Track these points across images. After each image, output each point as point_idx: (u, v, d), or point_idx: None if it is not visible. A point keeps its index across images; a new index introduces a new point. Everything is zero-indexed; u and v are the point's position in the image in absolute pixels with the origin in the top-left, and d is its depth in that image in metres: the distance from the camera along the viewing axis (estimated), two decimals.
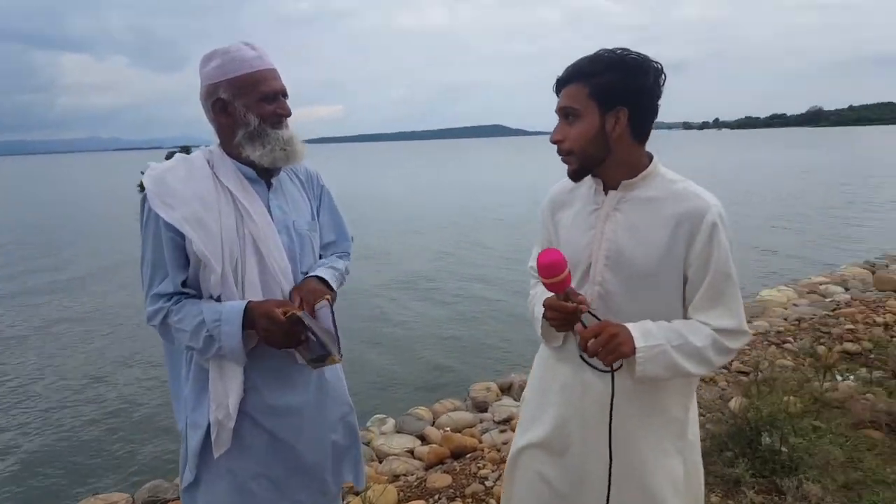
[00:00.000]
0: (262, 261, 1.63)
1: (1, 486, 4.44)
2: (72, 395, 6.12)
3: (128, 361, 7.01)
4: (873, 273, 7.66)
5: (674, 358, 1.40)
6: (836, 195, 19.57)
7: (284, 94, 1.67)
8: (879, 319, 5.53)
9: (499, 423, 4.33)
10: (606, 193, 1.52)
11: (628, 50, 1.44)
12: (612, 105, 1.42)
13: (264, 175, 1.70)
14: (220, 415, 1.59)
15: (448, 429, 4.20)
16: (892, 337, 5.07)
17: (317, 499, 1.79)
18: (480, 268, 11.01)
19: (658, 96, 1.47)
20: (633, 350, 1.38)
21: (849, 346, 4.90)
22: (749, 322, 5.86)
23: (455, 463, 3.59)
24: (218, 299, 1.59)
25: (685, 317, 1.48)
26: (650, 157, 1.52)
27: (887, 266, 8.14)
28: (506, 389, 5.09)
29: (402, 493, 3.18)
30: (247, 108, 1.61)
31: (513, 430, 4.02)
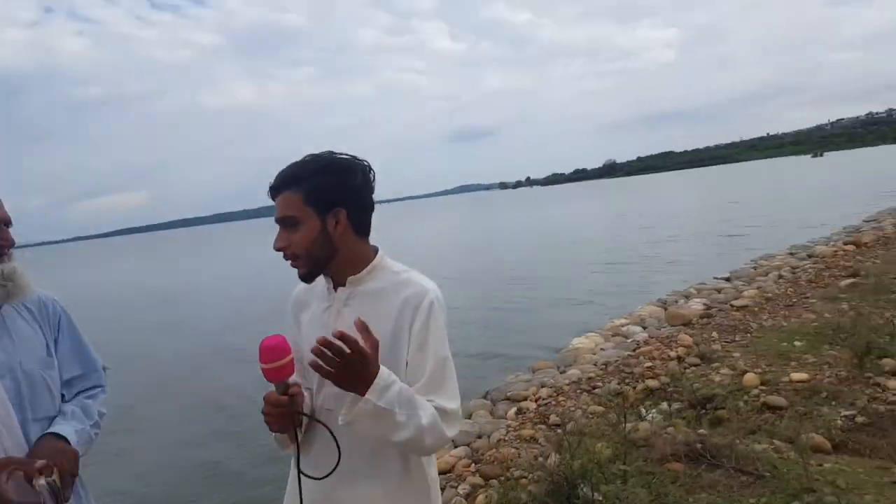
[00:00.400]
0: None
1: None
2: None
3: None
4: (665, 310, 8.54)
5: (394, 424, 1.35)
6: (636, 239, 21.85)
7: (7, 223, 1.55)
8: (673, 353, 6.11)
9: None
10: (336, 290, 1.55)
11: (334, 152, 1.50)
12: (329, 207, 1.46)
13: None
14: None
15: None
16: (684, 368, 5.62)
17: None
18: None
19: (371, 191, 1.53)
20: (363, 394, 1.32)
21: (650, 382, 5.34)
22: (563, 371, 6.27)
23: None
24: None
25: None
26: (375, 251, 1.57)
27: (676, 302, 9.12)
28: None
29: None
30: None
31: None
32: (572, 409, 4.98)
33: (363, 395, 1.32)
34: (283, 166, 1.50)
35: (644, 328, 7.67)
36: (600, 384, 5.59)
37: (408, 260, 1.61)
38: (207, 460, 6.39)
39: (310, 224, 1.46)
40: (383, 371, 1.34)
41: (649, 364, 5.90)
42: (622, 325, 8.00)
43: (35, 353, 1.62)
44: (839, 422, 4.02)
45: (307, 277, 1.51)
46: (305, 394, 1.49)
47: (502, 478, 4.00)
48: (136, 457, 6.64)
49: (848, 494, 3.14)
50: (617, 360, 6.27)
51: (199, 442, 6.95)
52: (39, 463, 1.39)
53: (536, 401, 5.53)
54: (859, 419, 4.05)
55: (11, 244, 1.56)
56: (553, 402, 5.36)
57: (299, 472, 1.47)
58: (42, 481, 1.36)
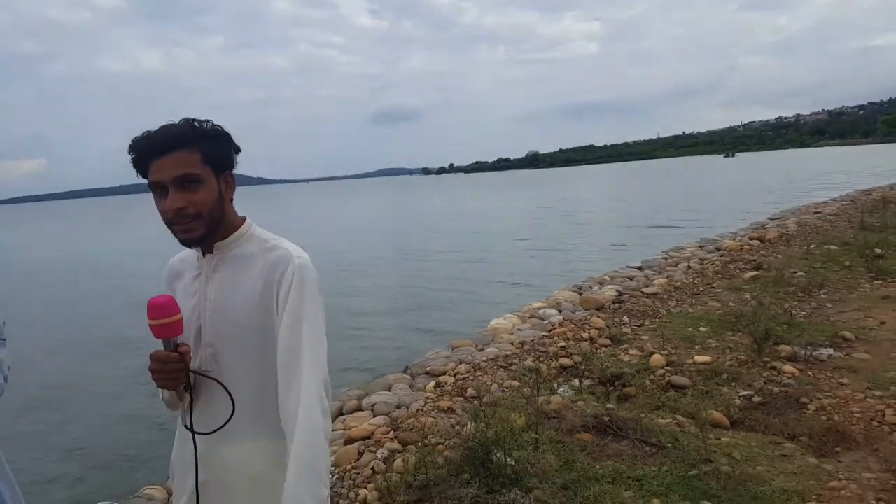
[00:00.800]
0: None
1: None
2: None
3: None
4: (580, 294, 8.86)
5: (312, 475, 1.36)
6: (556, 227, 22.50)
7: None
8: (585, 335, 6.37)
9: None
10: (205, 257, 1.55)
11: (211, 121, 1.48)
12: (222, 170, 1.48)
13: None
14: None
15: None
16: (596, 349, 5.89)
17: None
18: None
19: None
20: None
21: (563, 360, 5.56)
22: (482, 349, 6.41)
23: None
24: None
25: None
26: (243, 218, 1.58)
27: (591, 288, 9.47)
28: None
29: None
30: None
31: None
32: (489, 383, 5.11)
33: None
34: None
35: (559, 311, 7.92)
36: (516, 361, 5.76)
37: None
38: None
39: (210, 184, 1.45)
40: None
41: (563, 344, 6.12)
42: (539, 308, 8.24)
43: None
44: (737, 401, 4.33)
45: (200, 240, 1.48)
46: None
47: (420, 444, 4.08)
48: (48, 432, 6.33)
49: (742, 465, 3.41)
50: (532, 340, 6.47)
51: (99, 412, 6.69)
52: None
53: (455, 375, 5.64)
54: (756, 399, 4.38)
55: None
56: (471, 377, 5.48)
57: (191, 429, 1.48)
58: None
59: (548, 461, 3.48)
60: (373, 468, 3.80)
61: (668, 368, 5.02)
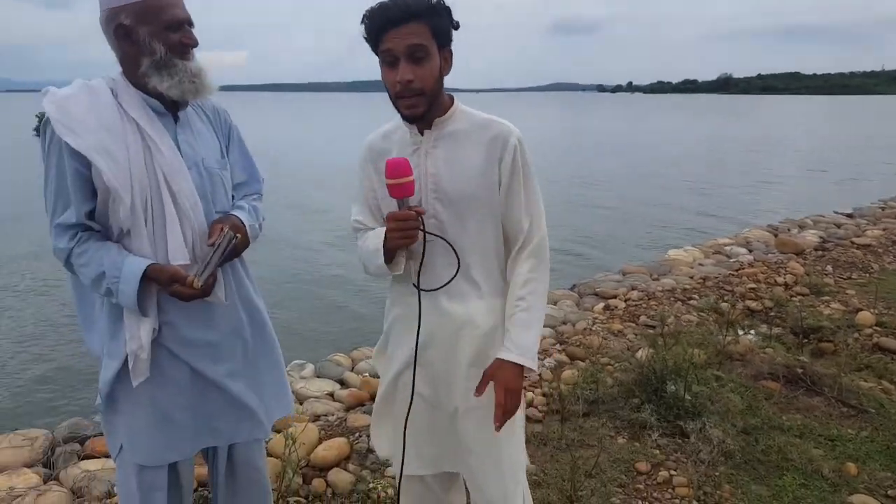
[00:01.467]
0: (174, 196, 1.57)
1: None
2: None
3: (40, 299, 6.72)
4: (776, 236, 8.11)
5: (538, 328, 1.63)
6: (745, 162, 20.58)
7: (190, 24, 1.58)
8: (780, 280, 5.88)
9: None
10: (422, 134, 1.60)
11: None
12: (444, 44, 1.52)
13: (171, 108, 1.63)
14: (134, 346, 1.57)
15: (367, 374, 4.19)
16: (791, 296, 5.40)
17: (242, 427, 1.78)
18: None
19: None
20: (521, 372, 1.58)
21: (751, 303, 5.19)
22: (656, 279, 6.15)
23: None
24: (128, 234, 1.55)
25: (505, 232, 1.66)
26: (451, 96, 1.63)
27: (789, 230, 8.64)
28: None
29: (323, 432, 3.18)
30: (151, 36, 1.51)
31: None
32: (666, 313, 4.90)
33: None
34: None
35: (750, 251, 7.35)
36: (696, 297, 5.47)
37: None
38: None
39: (435, 58, 1.50)
40: (513, 358, 1.58)
41: (752, 286, 5.71)
42: (725, 245, 7.70)
43: (212, 153, 1.72)
44: None
45: (421, 116, 1.55)
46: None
47: (588, 360, 4.05)
48: None
49: None
50: (717, 277, 6.09)
51: None
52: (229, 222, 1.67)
53: (626, 300, 5.49)
54: None
55: (194, 44, 1.59)
56: (644, 305, 5.30)
57: (418, 287, 1.61)
58: (227, 231, 1.59)
59: (731, 400, 3.31)
60: (539, 374, 3.85)
61: (877, 329, 4.49)
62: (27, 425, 3.78)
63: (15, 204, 11.58)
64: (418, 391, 1.69)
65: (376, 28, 1.47)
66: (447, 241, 1.59)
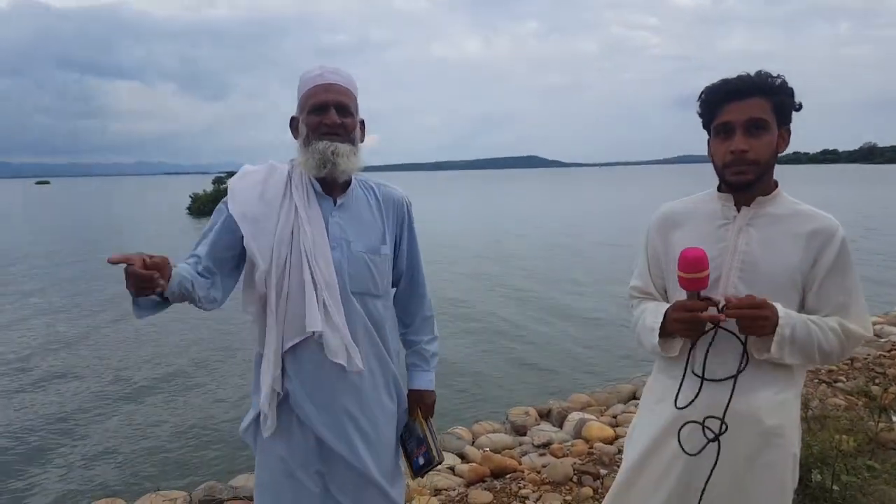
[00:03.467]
0: (311, 270, 1.69)
1: (64, 480, 4.61)
2: (134, 395, 6.36)
3: (187, 366, 7.21)
4: None
5: (810, 330, 1.48)
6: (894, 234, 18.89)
7: (340, 108, 1.73)
8: None
9: (538, 446, 4.29)
10: (738, 209, 1.60)
11: (782, 76, 1.54)
12: (783, 123, 1.55)
13: (331, 191, 1.79)
14: (263, 403, 1.73)
15: (487, 449, 4.19)
16: None
17: (366, 499, 1.82)
18: (524, 293, 10.98)
19: None
20: (774, 328, 1.45)
21: None
22: None
23: (496, 482, 3.59)
24: (261, 300, 1.72)
25: None
26: (776, 182, 1.61)
27: None
28: (544, 415, 5.05)
29: None
30: (303, 121, 1.75)
31: (553, 455, 3.99)
32: (810, 396, 4.56)
33: (773, 334, 1.46)
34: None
35: None
36: (843, 379, 5.05)
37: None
38: None
39: (773, 133, 1.53)
40: (780, 309, 1.47)
41: None
42: (876, 324, 7.06)
43: (366, 238, 1.81)
44: None
45: (747, 185, 1.56)
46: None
47: None
48: None
49: None
50: (866, 357, 5.60)
51: None
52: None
53: None
54: None
55: (333, 123, 1.71)
56: None
57: (702, 376, 1.55)
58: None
59: (885, 493, 3.00)
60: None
61: None
62: (168, 486, 4.10)
63: None
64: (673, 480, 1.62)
65: (718, 100, 1.54)
66: (735, 335, 1.50)
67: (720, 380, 1.54)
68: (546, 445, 4.26)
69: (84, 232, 24.35)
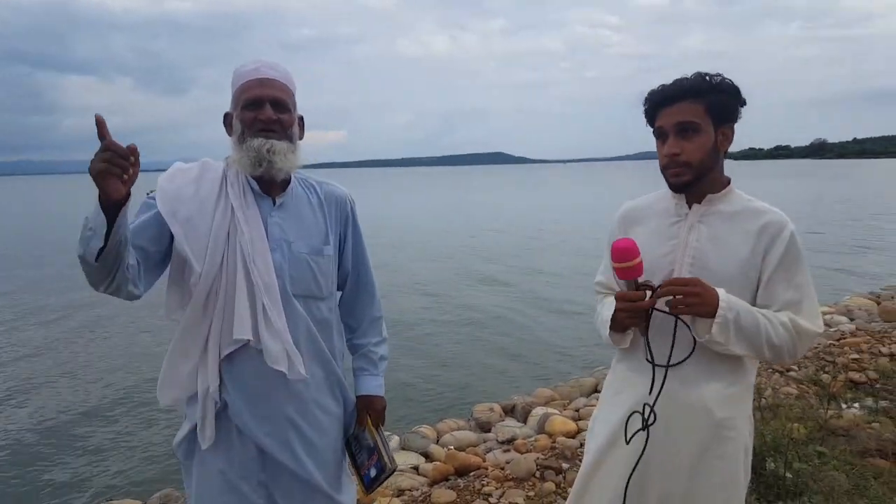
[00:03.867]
0: (248, 273, 1.62)
1: (9, 488, 4.48)
2: (83, 398, 6.21)
3: (136, 366, 7.11)
4: (878, 304, 7.66)
5: (757, 320, 1.50)
6: (843, 226, 19.54)
7: (276, 104, 1.65)
8: (885, 350, 5.53)
9: (502, 442, 4.32)
10: (690, 207, 1.64)
11: (721, 75, 1.57)
12: (722, 122, 1.57)
13: (269, 191, 1.71)
14: (199, 414, 1.66)
15: (452, 447, 4.20)
16: None
17: None
18: (486, 289, 11.05)
19: None
20: (714, 310, 1.48)
21: (854, 375, 4.90)
22: None
23: (459, 480, 3.60)
24: (190, 298, 1.63)
25: None
26: (728, 178, 1.65)
27: (892, 298, 8.13)
28: (509, 411, 5.08)
29: None
30: (236, 118, 1.67)
31: (517, 451, 4.02)
32: (763, 385, 4.69)
33: (713, 316, 1.47)
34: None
35: (851, 320, 6.96)
36: (795, 368, 5.20)
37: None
38: None
39: (707, 134, 1.56)
40: (722, 293, 1.48)
41: (855, 356, 5.38)
42: (826, 314, 7.30)
43: (308, 237, 1.74)
44: None
45: (684, 187, 1.60)
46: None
47: None
48: None
49: None
50: (816, 347, 5.78)
51: None
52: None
53: None
54: None
55: (267, 119, 1.62)
56: None
57: (652, 362, 1.60)
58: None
59: (836, 479, 3.11)
60: None
61: None
62: (121, 496, 4.00)
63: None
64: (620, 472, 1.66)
65: (652, 107, 1.61)
66: (682, 321, 1.55)
67: (669, 365, 1.57)
68: (510, 441, 4.29)
69: (37, 230, 23.61)
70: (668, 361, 1.57)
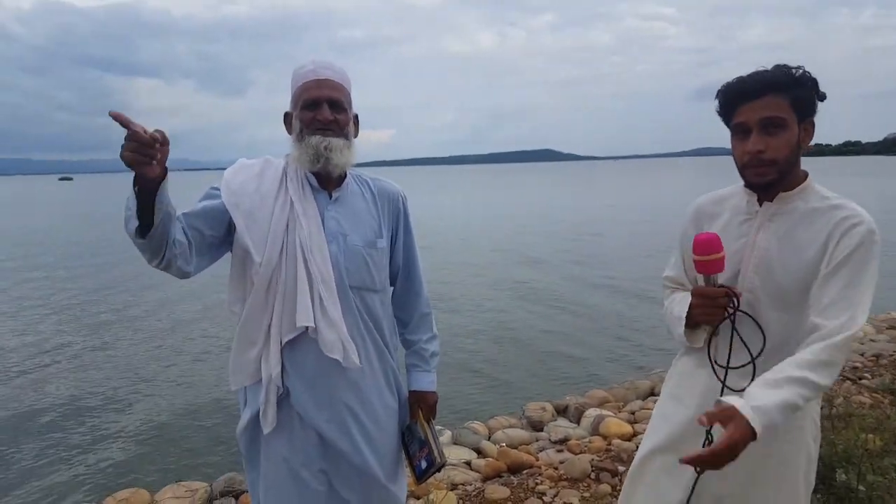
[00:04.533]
0: (307, 263, 1.68)
1: (89, 469, 4.68)
2: (160, 385, 6.44)
3: (212, 357, 7.32)
4: None
5: (786, 401, 1.30)
6: None
7: (332, 104, 1.71)
8: None
9: (555, 442, 4.25)
10: (761, 204, 1.57)
11: (802, 67, 1.48)
12: (804, 117, 1.49)
13: (326, 185, 1.78)
14: (263, 399, 1.70)
15: (503, 444, 4.16)
16: None
17: (373, 498, 1.82)
18: (541, 290, 10.92)
19: None
20: (752, 434, 1.26)
21: None
22: None
23: (512, 477, 3.57)
24: (252, 286, 1.69)
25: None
26: (805, 173, 1.56)
27: None
28: (561, 410, 5.01)
29: (461, 501, 3.21)
30: (296, 117, 1.74)
31: (570, 451, 3.95)
32: (834, 393, 4.47)
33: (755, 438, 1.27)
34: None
35: None
36: (868, 376, 4.95)
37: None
38: None
39: (792, 129, 1.48)
40: (746, 408, 1.26)
41: None
42: None
43: (362, 231, 1.80)
44: None
45: (769, 185, 1.52)
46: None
47: None
48: None
49: None
50: (892, 354, 5.50)
51: None
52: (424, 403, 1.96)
53: None
54: None
55: (326, 119, 1.69)
56: None
57: (712, 362, 1.57)
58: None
59: None
60: None
61: None
62: (189, 477, 4.12)
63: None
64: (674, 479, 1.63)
65: (731, 101, 1.51)
66: (757, 323, 1.51)
67: (732, 367, 1.52)
68: (563, 441, 4.22)
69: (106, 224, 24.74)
70: (728, 363, 1.53)
